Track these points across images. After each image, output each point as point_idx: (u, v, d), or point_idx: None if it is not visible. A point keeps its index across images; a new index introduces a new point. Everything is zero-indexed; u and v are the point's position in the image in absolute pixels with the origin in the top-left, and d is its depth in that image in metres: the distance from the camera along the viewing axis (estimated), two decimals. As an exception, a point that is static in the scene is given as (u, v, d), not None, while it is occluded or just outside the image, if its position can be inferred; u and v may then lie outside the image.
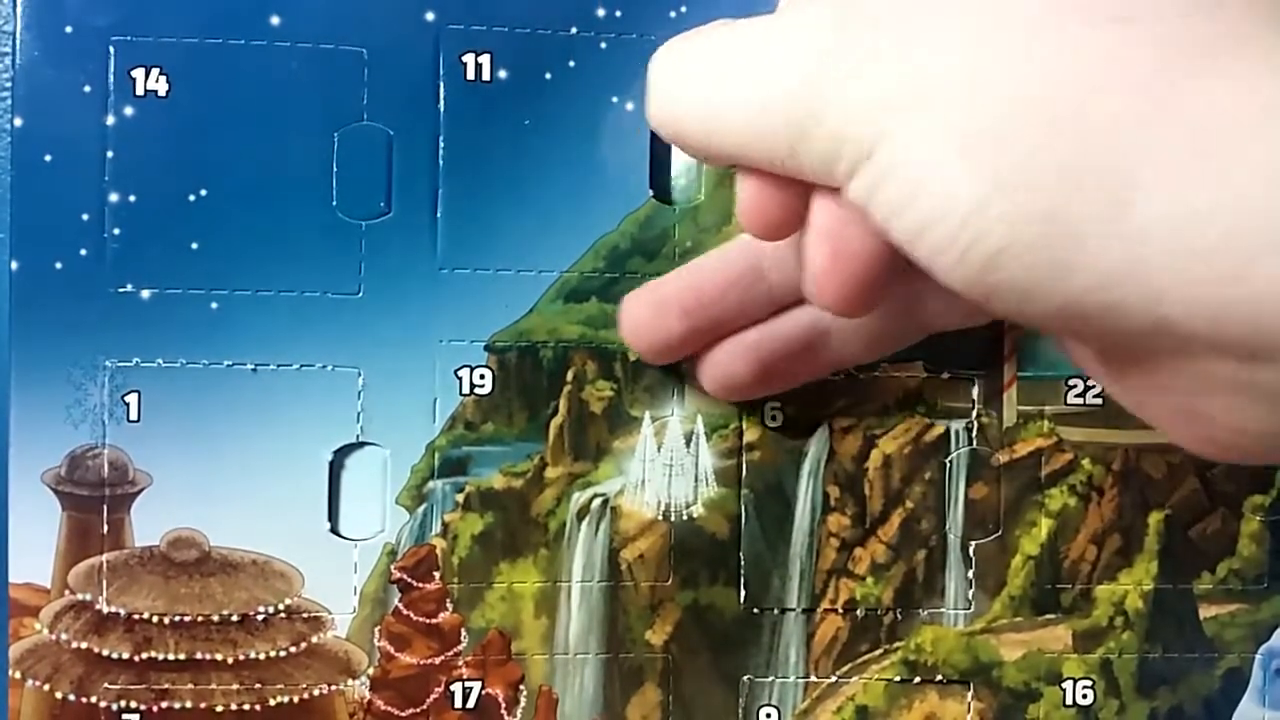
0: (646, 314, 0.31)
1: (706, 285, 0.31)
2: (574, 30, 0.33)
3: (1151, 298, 0.20)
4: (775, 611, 0.34)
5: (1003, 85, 0.21)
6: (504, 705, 0.33)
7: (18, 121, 0.31)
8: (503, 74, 0.33)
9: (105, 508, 0.32)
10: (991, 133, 0.21)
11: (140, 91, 0.32)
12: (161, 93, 0.32)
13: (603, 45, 0.33)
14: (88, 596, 0.32)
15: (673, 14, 0.33)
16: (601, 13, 0.33)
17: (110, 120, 0.32)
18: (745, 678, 0.34)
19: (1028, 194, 0.21)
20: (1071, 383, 0.35)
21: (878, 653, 0.35)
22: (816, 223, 0.25)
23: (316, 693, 0.33)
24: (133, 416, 0.32)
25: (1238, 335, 0.20)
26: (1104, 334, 0.22)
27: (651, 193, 0.33)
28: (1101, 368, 0.25)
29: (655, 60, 0.27)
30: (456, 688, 0.33)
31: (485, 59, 0.33)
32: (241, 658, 0.32)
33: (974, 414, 0.35)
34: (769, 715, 0.34)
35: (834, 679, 0.34)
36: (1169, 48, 0.20)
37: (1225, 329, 0.20)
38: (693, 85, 0.25)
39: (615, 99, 0.33)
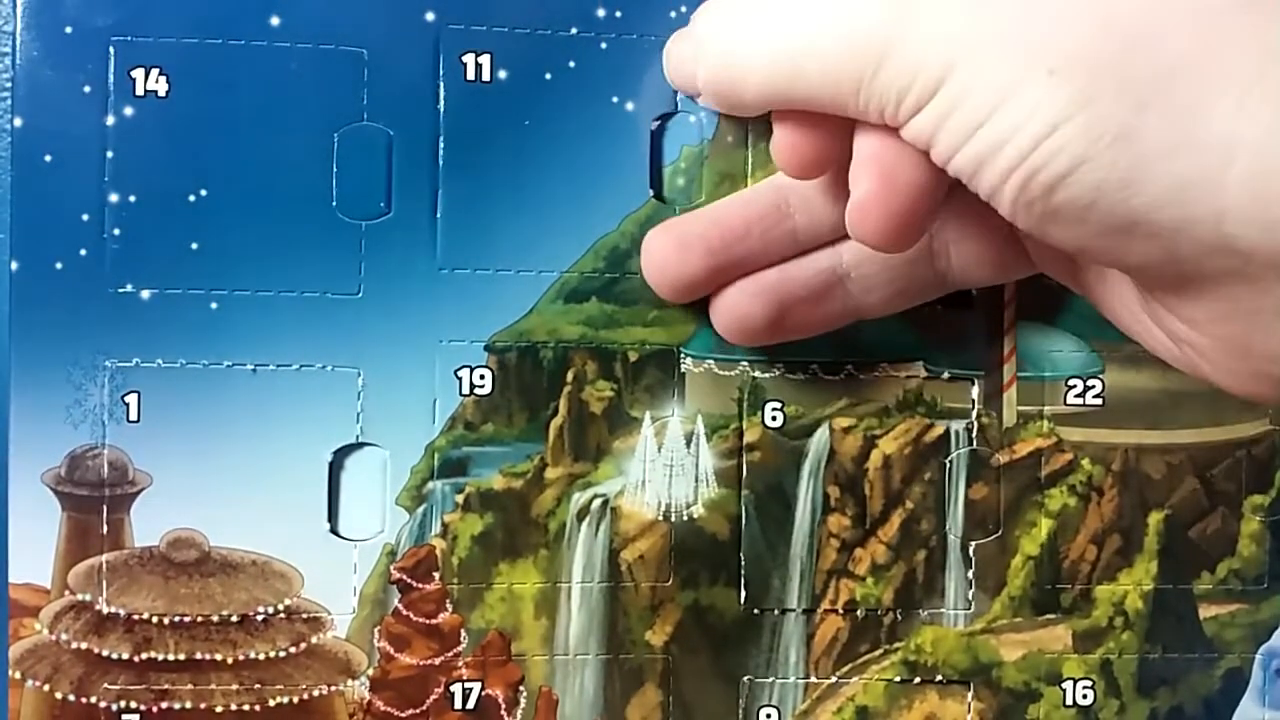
0: (669, 250, 0.31)
1: (731, 221, 0.31)
2: (574, 30, 0.33)
3: (1216, 212, 0.21)
4: (775, 612, 0.34)
5: (1088, 11, 0.22)
6: (504, 706, 0.33)
7: (18, 121, 0.31)
8: (503, 74, 0.33)
9: (105, 508, 0.32)
10: (1075, 54, 0.22)
11: (140, 92, 0.32)
12: (161, 93, 0.32)
13: (603, 45, 0.33)
14: (88, 597, 0.32)
15: (673, 14, 0.33)
16: (601, 13, 0.33)
17: (110, 120, 0.32)
18: (745, 678, 0.34)
19: (1104, 111, 0.22)
20: (1071, 383, 0.35)
21: (878, 653, 0.35)
22: (863, 152, 0.26)
23: (316, 693, 0.33)
24: (132, 417, 0.32)
25: None
26: (1161, 256, 0.23)
27: (651, 193, 0.33)
28: (1145, 303, 0.26)
29: (704, 19, 0.28)
30: (456, 688, 0.33)
31: (485, 59, 0.33)
32: (241, 658, 0.32)
33: (974, 414, 0.35)
34: (769, 716, 0.34)
35: (834, 679, 0.34)
36: None
37: None
38: (759, 33, 0.26)
39: (615, 99, 0.33)
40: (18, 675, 0.32)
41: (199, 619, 0.32)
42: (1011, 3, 0.23)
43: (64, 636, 0.32)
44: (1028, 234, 0.26)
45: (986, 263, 0.31)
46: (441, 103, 0.33)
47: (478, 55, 0.33)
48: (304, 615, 0.33)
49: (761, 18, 0.27)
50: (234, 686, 0.32)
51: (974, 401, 0.35)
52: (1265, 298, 0.22)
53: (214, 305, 0.32)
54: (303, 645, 0.33)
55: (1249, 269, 0.22)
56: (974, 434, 0.35)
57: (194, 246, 0.32)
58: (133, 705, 0.32)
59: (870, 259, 0.30)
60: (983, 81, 0.23)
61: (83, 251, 0.32)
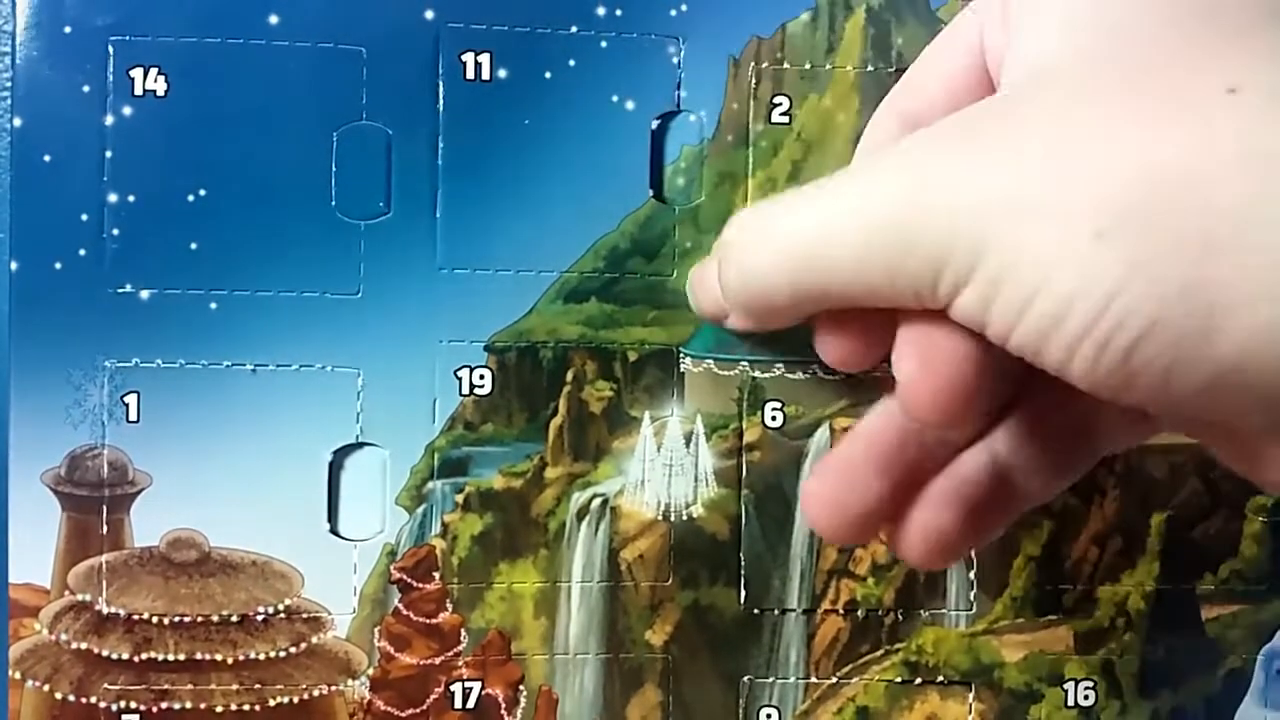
0: (839, 487, 0.28)
1: (886, 439, 0.28)
2: (574, 30, 0.33)
3: None
4: (775, 612, 0.34)
5: (1123, 164, 0.21)
6: (504, 705, 0.33)
7: (17, 121, 0.31)
8: (503, 73, 0.33)
9: (105, 508, 0.32)
10: (1119, 211, 0.21)
11: (139, 91, 0.32)
12: (160, 93, 0.32)
13: (603, 45, 0.33)
14: (87, 597, 0.32)
15: (673, 13, 0.33)
16: (601, 12, 0.33)
17: (109, 120, 0.32)
18: (745, 678, 0.34)
19: (1166, 267, 0.20)
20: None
21: (879, 653, 0.34)
22: (903, 334, 0.25)
23: (316, 693, 0.33)
24: (132, 417, 0.32)
25: None
26: (1251, 407, 0.21)
27: (651, 193, 0.33)
28: (1246, 458, 0.24)
29: (732, 228, 0.27)
30: (456, 688, 0.33)
31: (485, 58, 0.33)
32: (241, 658, 0.32)
33: (975, 414, 0.34)
34: (769, 716, 0.34)
35: (835, 680, 0.34)
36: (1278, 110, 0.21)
37: None
38: (781, 239, 0.25)
39: (615, 99, 0.33)
40: (18, 675, 0.32)
41: (199, 619, 0.32)
42: (1038, 156, 0.22)
43: (64, 637, 0.32)
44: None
45: (1128, 425, 0.28)
46: (441, 102, 0.33)
47: (477, 54, 0.33)
48: (304, 615, 0.33)
49: (782, 222, 0.25)
50: (234, 686, 0.32)
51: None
52: None
53: (213, 305, 0.32)
54: (303, 645, 0.33)
55: None
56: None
57: (193, 246, 0.32)
58: (133, 705, 0.32)
59: (1024, 440, 0.28)
60: (1024, 254, 0.21)
61: (82, 251, 0.32)
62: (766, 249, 0.26)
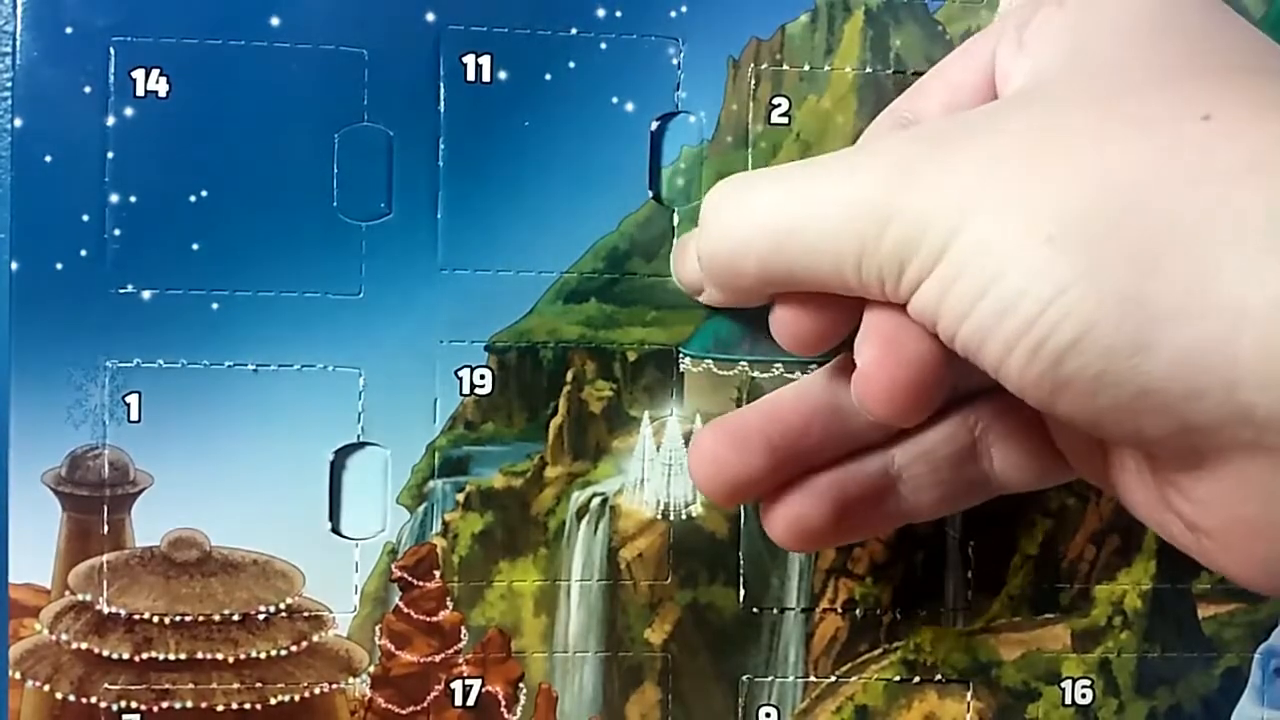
0: (726, 448, 0.29)
1: (789, 418, 0.29)
2: (574, 30, 0.33)
3: (1230, 380, 0.20)
4: (774, 611, 0.34)
5: (1087, 173, 0.22)
6: (504, 703, 0.34)
7: (18, 122, 0.31)
8: (503, 75, 0.33)
9: (106, 508, 0.32)
10: (1074, 218, 0.21)
11: (140, 92, 0.32)
12: (162, 93, 0.32)
13: (603, 45, 0.33)
14: (88, 597, 0.32)
15: (673, 14, 0.33)
16: (601, 13, 0.33)
17: (110, 121, 0.32)
18: (744, 677, 0.34)
19: (1109, 276, 0.21)
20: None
21: (877, 652, 0.35)
22: (868, 324, 0.26)
23: (318, 691, 0.33)
24: (133, 417, 0.32)
25: None
26: (1174, 428, 0.22)
27: (651, 194, 0.33)
28: (1160, 489, 0.24)
29: (713, 194, 0.28)
30: (457, 685, 0.33)
31: (485, 60, 0.33)
32: (243, 657, 0.32)
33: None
34: (768, 715, 0.34)
35: (833, 678, 0.34)
36: (1251, 141, 0.21)
37: None
38: (760, 207, 0.26)
39: (615, 99, 0.33)
40: (18, 675, 0.32)
41: (200, 618, 0.32)
42: (1016, 164, 0.22)
43: (64, 637, 0.32)
44: (1049, 417, 0.26)
45: (1027, 467, 0.29)
46: (442, 103, 0.33)
47: (478, 56, 0.33)
48: (305, 614, 0.33)
49: (762, 191, 0.26)
50: (235, 685, 0.32)
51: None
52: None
53: (215, 305, 0.32)
54: (304, 644, 0.33)
55: (1265, 439, 0.21)
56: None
57: (195, 247, 0.32)
58: (133, 705, 0.32)
59: (918, 459, 0.29)
60: (983, 250, 0.22)
61: (83, 252, 0.32)
62: (745, 219, 0.27)
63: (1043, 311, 0.21)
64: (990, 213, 0.22)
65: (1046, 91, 0.24)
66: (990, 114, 0.24)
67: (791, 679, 0.34)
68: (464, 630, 0.33)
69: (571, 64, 0.33)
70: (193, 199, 0.32)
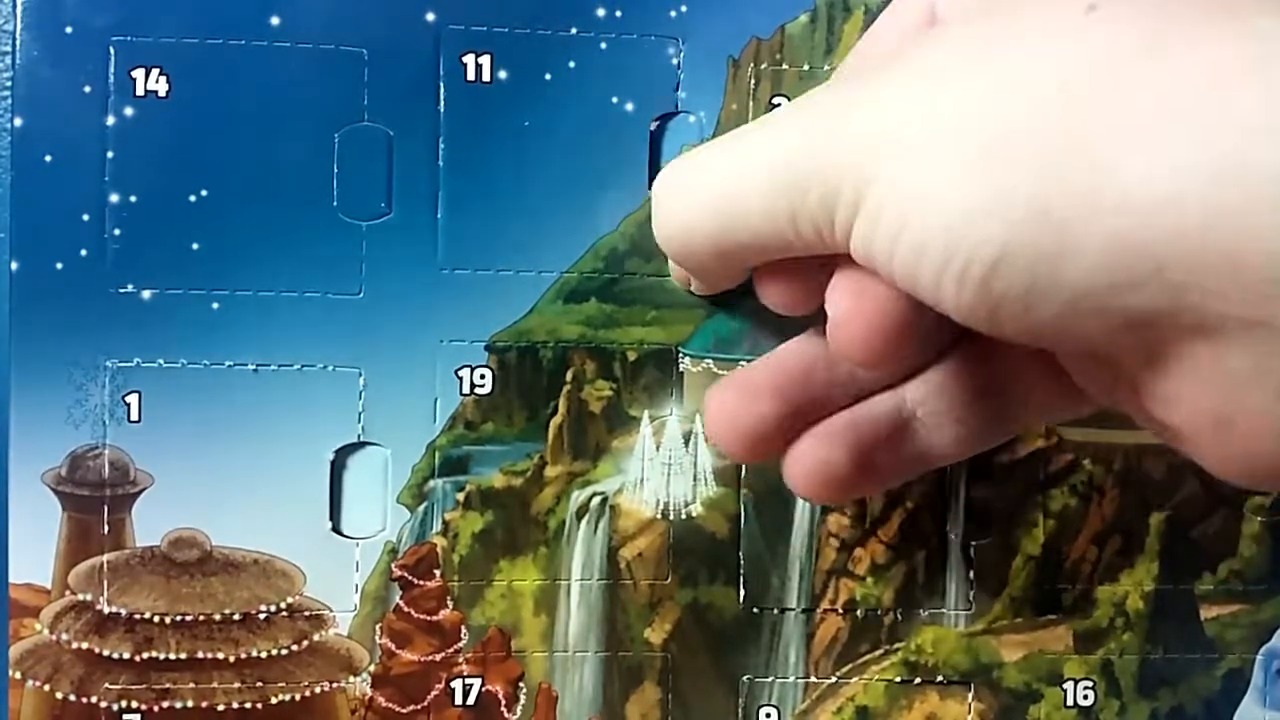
0: (736, 402, 0.29)
1: (792, 366, 0.29)
2: (574, 30, 0.33)
3: (1156, 265, 0.20)
4: (775, 611, 0.34)
5: (983, 97, 0.21)
6: (504, 702, 0.34)
7: (18, 121, 0.31)
8: (503, 74, 0.33)
9: (106, 508, 0.32)
10: (974, 144, 0.21)
11: (140, 92, 0.32)
12: (161, 93, 0.32)
13: (603, 45, 0.33)
14: (88, 597, 0.32)
15: (673, 14, 0.33)
16: (601, 13, 0.33)
17: (110, 121, 0.32)
18: (745, 677, 0.34)
19: (1015, 193, 0.21)
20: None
21: (878, 653, 0.35)
22: (837, 275, 0.26)
23: (318, 690, 0.33)
24: (134, 417, 0.32)
25: (1251, 283, 0.19)
26: (1120, 326, 0.21)
27: (650, 194, 0.33)
28: (1125, 387, 0.24)
29: (659, 180, 0.28)
30: (457, 684, 0.33)
31: (485, 59, 0.33)
32: (243, 656, 0.33)
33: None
34: (768, 715, 0.34)
35: (834, 679, 0.34)
36: (1136, 24, 0.21)
37: (1238, 278, 0.19)
38: (698, 186, 0.26)
39: (615, 99, 0.33)
40: (18, 675, 0.32)
41: (200, 618, 0.32)
42: (920, 91, 0.22)
43: (64, 636, 0.32)
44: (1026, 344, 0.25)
45: (1040, 402, 0.29)
46: (442, 103, 0.33)
47: (478, 55, 0.33)
48: (306, 613, 0.33)
49: (699, 169, 0.26)
50: (236, 685, 0.32)
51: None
52: (1231, 358, 0.21)
53: (215, 305, 0.32)
54: (305, 643, 0.33)
55: (1206, 322, 0.20)
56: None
57: (195, 247, 0.32)
58: (134, 705, 0.32)
59: (930, 397, 0.29)
60: (898, 185, 0.22)
61: (83, 252, 0.32)
62: (686, 201, 0.27)
63: (958, 240, 0.21)
64: (901, 147, 0.22)
65: (951, 25, 0.24)
66: (899, 55, 0.24)
67: (792, 679, 0.34)
68: (464, 629, 0.33)
69: (571, 64, 0.33)
70: (192, 199, 0.32)
